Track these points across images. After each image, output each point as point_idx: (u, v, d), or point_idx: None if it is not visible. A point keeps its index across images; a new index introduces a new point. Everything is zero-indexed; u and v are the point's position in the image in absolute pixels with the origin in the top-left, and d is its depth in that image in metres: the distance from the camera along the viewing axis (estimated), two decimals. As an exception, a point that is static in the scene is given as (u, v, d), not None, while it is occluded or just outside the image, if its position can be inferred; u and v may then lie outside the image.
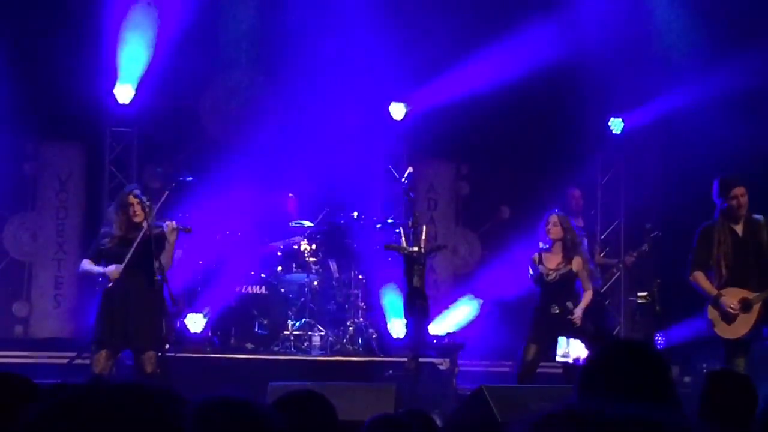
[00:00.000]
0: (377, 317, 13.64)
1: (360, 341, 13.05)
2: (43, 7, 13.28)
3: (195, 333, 12.48)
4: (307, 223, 13.27)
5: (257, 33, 14.07)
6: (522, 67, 13.93)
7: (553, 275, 10.57)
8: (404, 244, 9.90)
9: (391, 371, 11.56)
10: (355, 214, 13.51)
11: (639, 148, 15.29)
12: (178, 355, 11.43)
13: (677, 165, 14.54)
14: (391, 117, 14.77)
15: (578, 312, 10.53)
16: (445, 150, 14.99)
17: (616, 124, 15.17)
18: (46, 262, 14.21)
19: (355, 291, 13.31)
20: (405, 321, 10.98)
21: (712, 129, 13.45)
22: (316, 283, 12.97)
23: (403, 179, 11.44)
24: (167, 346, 10.10)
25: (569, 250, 10.64)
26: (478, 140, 14.45)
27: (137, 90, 13.79)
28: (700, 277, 9.51)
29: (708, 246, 9.46)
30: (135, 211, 9.68)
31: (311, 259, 12.86)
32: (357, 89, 14.02)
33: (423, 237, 9.80)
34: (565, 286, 10.64)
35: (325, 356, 12.53)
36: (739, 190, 9.39)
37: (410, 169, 11.18)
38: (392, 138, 15.04)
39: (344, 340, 12.99)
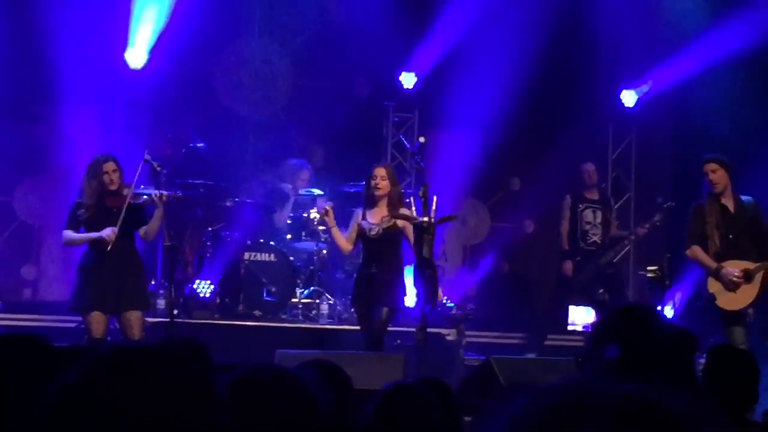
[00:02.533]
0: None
1: (368, 310, 13.04)
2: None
3: (204, 298, 12.52)
4: (317, 192, 13.24)
5: (269, 1, 14.01)
6: (535, 39, 13.87)
7: (377, 230, 9.99)
8: (414, 214, 9.87)
9: (399, 341, 11.57)
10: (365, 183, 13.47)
11: (651, 121, 15.23)
12: (186, 320, 11.46)
13: (689, 138, 14.47)
14: (402, 86, 14.73)
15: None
16: (456, 120, 14.94)
17: (628, 97, 15.10)
18: (55, 226, 14.20)
19: (364, 260, 13.29)
20: (414, 290, 10.97)
21: (724, 100, 13.40)
22: (324, 251, 12.97)
23: (414, 149, 11.41)
24: (175, 312, 10.18)
25: (395, 206, 10.00)
26: (489, 111, 14.39)
27: (150, 54, 13.75)
28: (698, 251, 9.60)
29: (700, 221, 9.60)
30: (111, 179, 9.61)
31: (320, 227, 12.85)
32: (368, 57, 13.97)
33: (433, 207, 9.77)
34: (389, 244, 10.03)
35: (333, 325, 12.54)
36: (708, 167, 9.63)
37: (422, 139, 11.12)
38: (403, 107, 15.02)
39: (352, 309, 12.98)
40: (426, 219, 9.51)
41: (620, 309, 3.34)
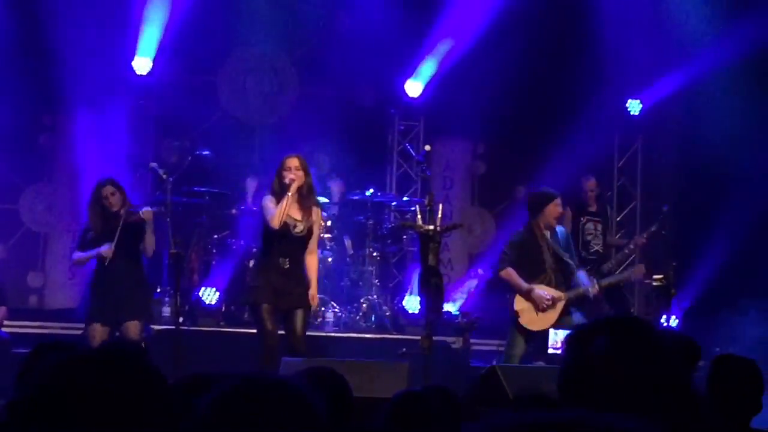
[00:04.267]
0: (391, 294, 13.66)
1: (373, 318, 13.06)
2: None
3: (210, 305, 12.55)
4: (322, 200, 13.25)
5: (276, 8, 14.03)
6: (541, 47, 13.89)
7: (301, 228, 9.69)
8: (420, 222, 9.86)
9: (404, 349, 11.56)
10: (371, 191, 13.50)
11: (657, 130, 15.23)
12: (191, 328, 11.48)
13: (695, 146, 14.48)
14: (407, 94, 14.74)
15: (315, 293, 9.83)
16: (461, 129, 14.95)
17: (634, 106, 15.11)
18: (61, 234, 14.24)
19: (369, 268, 13.32)
20: (419, 299, 10.96)
21: (730, 108, 13.41)
22: (330, 259, 12.97)
23: (419, 157, 11.41)
24: (181, 320, 10.28)
25: (307, 199, 9.76)
26: (495, 119, 14.41)
27: (155, 62, 13.78)
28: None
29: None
30: (111, 202, 10.22)
31: (326, 235, 12.85)
32: (373, 65, 13.99)
33: (438, 215, 9.78)
34: (302, 243, 9.76)
35: (338, 332, 12.54)
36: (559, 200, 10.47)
37: (427, 148, 11.14)
38: (408, 116, 15.04)
39: (357, 317, 13.00)
40: (431, 227, 9.51)
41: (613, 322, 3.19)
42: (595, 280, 10.80)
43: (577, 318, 10.24)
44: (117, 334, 10.31)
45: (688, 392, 2.82)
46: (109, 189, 10.24)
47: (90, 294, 10.41)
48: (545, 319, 10.22)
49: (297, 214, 9.67)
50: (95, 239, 10.24)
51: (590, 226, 12.92)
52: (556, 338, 10.07)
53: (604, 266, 12.78)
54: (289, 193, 9.50)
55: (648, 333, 3.00)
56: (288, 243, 9.65)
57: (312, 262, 9.86)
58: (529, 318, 10.21)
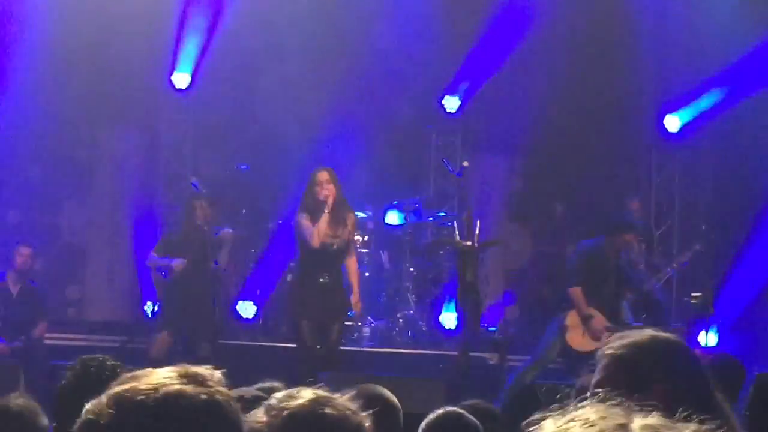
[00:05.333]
0: (428, 310, 13.66)
1: (410, 333, 13.06)
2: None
3: (247, 319, 12.61)
4: (360, 214, 13.27)
5: (313, 22, 14.07)
6: (578, 63, 13.87)
7: (337, 243, 9.70)
8: (457, 238, 9.88)
9: (441, 365, 11.56)
10: (416, 206, 13.53)
11: (695, 147, 15.15)
12: (229, 342, 11.53)
13: (733, 165, 14.41)
14: (445, 109, 14.74)
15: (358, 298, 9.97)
16: (499, 144, 14.94)
17: (671, 123, 15.04)
18: (100, 246, 14.33)
19: (406, 283, 13.32)
20: (456, 314, 10.97)
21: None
22: (367, 274, 12.97)
23: (457, 173, 11.42)
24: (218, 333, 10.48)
25: (340, 212, 9.74)
26: (532, 135, 14.39)
27: (194, 77, 13.86)
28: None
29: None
30: (198, 215, 10.50)
31: (363, 250, 12.87)
32: (411, 81, 14.01)
33: (476, 231, 9.78)
34: (340, 256, 9.81)
35: (374, 347, 12.54)
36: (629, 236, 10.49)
37: (465, 163, 11.18)
38: (446, 131, 15.05)
39: (394, 332, 13.00)
40: (469, 243, 9.53)
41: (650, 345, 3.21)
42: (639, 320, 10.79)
43: None
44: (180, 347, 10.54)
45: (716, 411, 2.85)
46: (202, 203, 10.59)
47: (162, 304, 10.83)
48: (589, 344, 10.19)
49: (332, 230, 9.65)
50: (175, 246, 10.59)
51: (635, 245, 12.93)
52: None
53: (644, 285, 12.75)
54: (327, 210, 9.48)
55: (686, 354, 3.04)
56: (326, 259, 9.67)
57: (352, 266, 9.91)
58: (575, 337, 10.25)
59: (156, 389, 1.86)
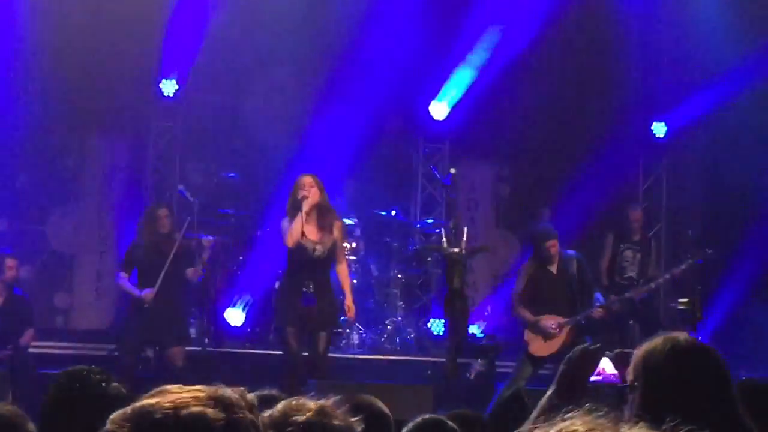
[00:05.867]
0: (416, 316, 13.67)
1: (398, 340, 13.06)
2: (90, 2, 13.35)
3: (235, 327, 12.60)
4: (348, 222, 13.27)
5: (300, 30, 14.08)
6: (566, 70, 13.91)
7: (321, 250, 9.61)
8: (445, 245, 9.89)
9: (429, 371, 11.57)
10: (394, 212, 13.53)
11: (682, 152, 15.20)
12: (217, 350, 11.52)
13: (721, 169, 14.44)
14: (432, 117, 14.75)
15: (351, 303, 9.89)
16: (486, 151, 14.96)
17: (659, 129, 15.08)
18: (87, 255, 14.31)
19: (394, 290, 13.33)
20: (444, 321, 10.96)
21: (757, 131, 13.39)
22: (355, 281, 12.95)
23: (445, 180, 11.43)
24: (206, 341, 10.47)
25: (324, 218, 9.66)
26: (519, 142, 14.42)
27: (181, 85, 13.86)
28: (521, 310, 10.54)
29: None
30: (164, 224, 10.50)
31: (351, 257, 12.87)
32: (398, 88, 14.02)
33: (464, 238, 9.80)
34: (325, 263, 9.70)
35: (363, 354, 12.55)
36: (553, 242, 10.47)
37: (453, 170, 11.19)
38: (433, 138, 15.06)
39: (382, 339, 13.01)
40: (456, 250, 9.54)
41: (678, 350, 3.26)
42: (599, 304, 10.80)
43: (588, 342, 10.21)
44: (150, 354, 10.48)
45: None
46: (164, 211, 10.56)
47: (129, 313, 10.63)
48: (552, 345, 10.32)
49: (315, 235, 9.57)
50: (142, 260, 10.46)
51: (629, 253, 13.00)
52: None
53: (630, 292, 12.80)
54: (303, 209, 9.42)
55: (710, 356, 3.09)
56: (310, 266, 9.59)
57: (342, 272, 9.87)
58: (538, 346, 10.35)
59: (176, 409, 1.86)
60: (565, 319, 10.37)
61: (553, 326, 10.30)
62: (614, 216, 13.39)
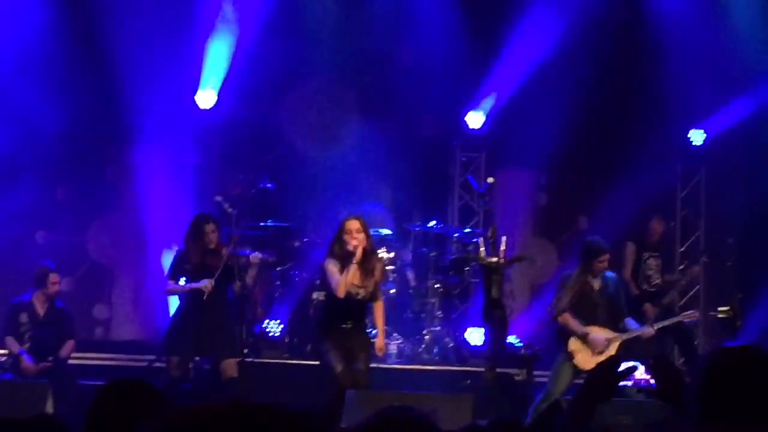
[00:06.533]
0: (454, 326, 13.65)
1: (436, 350, 13.05)
2: (128, 13, 13.43)
3: (274, 337, 12.64)
4: (384, 231, 13.27)
5: (338, 40, 14.10)
6: (603, 77, 13.85)
7: (364, 294, 9.62)
8: (483, 255, 9.87)
9: (468, 381, 11.54)
10: (433, 222, 13.51)
11: (721, 159, 15.10)
12: (256, 360, 11.55)
13: (760, 176, 14.34)
14: (469, 126, 14.74)
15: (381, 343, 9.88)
16: (523, 160, 14.92)
17: (697, 136, 15.00)
18: (126, 266, 14.38)
19: (432, 300, 13.32)
20: (483, 331, 10.92)
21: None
22: (393, 291, 12.97)
23: (482, 189, 11.41)
24: (245, 351, 10.49)
25: (369, 262, 9.61)
26: (556, 150, 14.37)
27: (219, 96, 13.92)
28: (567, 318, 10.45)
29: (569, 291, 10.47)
30: (211, 239, 10.40)
31: (389, 267, 12.87)
32: (435, 97, 14.01)
33: (502, 247, 9.77)
34: (365, 303, 9.74)
35: (401, 365, 12.54)
36: (606, 257, 10.45)
37: (490, 180, 11.16)
38: (470, 147, 15.05)
39: (420, 349, 12.99)
40: (495, 259, 9.52)
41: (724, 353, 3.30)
42: (650, 323, 10.78)
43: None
44: (191, 365, 10.50)
45: None
46: (211, 227, 10.44)
47: (178, 324, 10.53)
48: (600, 359, 10.22)
49: (359, 279, 9.54)
50: (192, 272, 10.41)
51: (652, 261, 13.00)
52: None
53: (665, 299, 12.76)
54: (355, 262, 9.43)
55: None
56: (350, 308, 9.61)
57: (378, 310, 9.87)
58: (584, 359, 10.26)
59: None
60: (614, 334, 10.33)
61: (604, 342, 10.26)
62: (634, 225, 13.34)
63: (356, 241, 9.39)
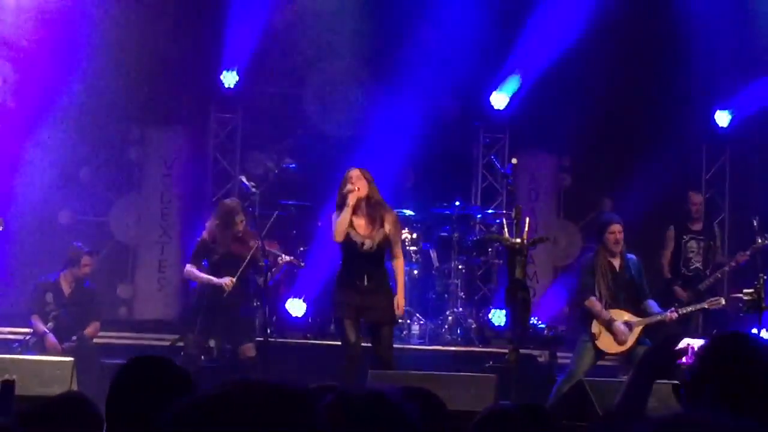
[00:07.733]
0: (477, 307, 13.65)
1: (459, 331, 13.04)
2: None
3: (296, 317, 12.65)
4: (407, 212, 13.25)
5: (360, 20, 14.08)
6: (627, 59, 13.79)
7: (370, 244, 9.46)
8: (506, 235, 9.83)
9: (491, 362, 11.54)
10: (456, 203, 13.49)
11: (745, 141, 15.02)
12: (278, 340, 11.57)
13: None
14: (493, 107, 14.70)
15: (401, 301, 9.64)
16: (547, 141, 14.88)
17: (722, 118, 14.92)
18: (150, 246, 14.42)
19: (455, 281, 13.30)
20: (505, 312, 10.90)
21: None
22: (416, 272, 12.97)
23: (506, 170, 11.38)
24: (268, 331, 10.51)
25: (374, 211, 9.48)
26: (580, 131, 14.32)
27: (242, 76, 13.92)
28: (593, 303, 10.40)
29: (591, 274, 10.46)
30: (240, 229, 10.34)
31: (412, 248, 12.86)
32: (459, 79, 13.98)
33: (525, 228, 9.74)
34: (378, 256, 9.53)
35: (424, 345, 12.55)
36: (616, 227, 10.39)
37: (514, 161, 11.14)
38: (494, 128, 15.01)
39: (443, 330, 12.99)
40: (518, 240, 9.49)
41: (718, 342, 3.31)
42: (675, 307, 10.71)
43: (646, 344, 10.15)
44: (213, 345, 10.53)
45: None
46: (240, 217, 10.38)
47: (195, 305, 10.53)
48: (622, 344, 10.27)
49: (365, 230, 9.45)
50: (215, 260, 10.30)
51: (693, 243, 12.80)
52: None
53: (702, 285, 12.64)
54: (350, 203, 9.38)
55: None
56: (362, 261, 9.48)
57: (397, 267, 9.69)
58: (607, 342, 10.28)
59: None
60: (637, 319, 10.30)
61: (627, 332, 10.23)
62: (674, 207, 13.23)
63: (352, 186, 9.35)
